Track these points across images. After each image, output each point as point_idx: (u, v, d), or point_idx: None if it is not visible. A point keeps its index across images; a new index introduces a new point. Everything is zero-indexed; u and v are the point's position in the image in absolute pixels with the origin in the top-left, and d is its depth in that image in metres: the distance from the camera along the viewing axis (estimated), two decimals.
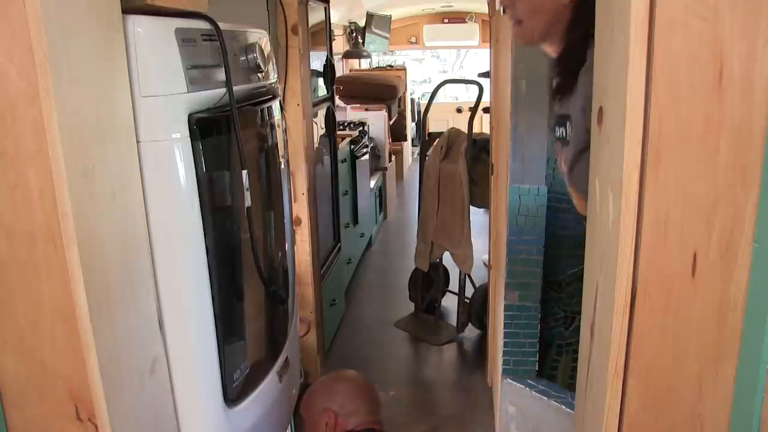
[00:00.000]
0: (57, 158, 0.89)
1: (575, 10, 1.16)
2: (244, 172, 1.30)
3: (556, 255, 2.31)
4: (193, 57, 1.19)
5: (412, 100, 7.70)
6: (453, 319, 3.49)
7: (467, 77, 6.47)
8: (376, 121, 5.46)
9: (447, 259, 3.47)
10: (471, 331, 3.43)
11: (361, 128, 4.75)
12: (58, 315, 0.95)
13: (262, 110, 1.55)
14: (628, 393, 0.72)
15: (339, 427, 1.53)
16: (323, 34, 3.16)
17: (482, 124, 5.96)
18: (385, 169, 5.51)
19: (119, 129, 1.07)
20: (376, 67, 7.46)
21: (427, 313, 3.61)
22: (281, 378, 1.64)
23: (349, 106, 5.59)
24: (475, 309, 3.36)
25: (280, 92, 1.97)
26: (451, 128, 3.49)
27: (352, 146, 4.20)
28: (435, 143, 3.47)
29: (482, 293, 3.31)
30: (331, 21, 3.33)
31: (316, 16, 2.91)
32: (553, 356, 2.43)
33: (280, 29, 2.37)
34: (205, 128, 1.22)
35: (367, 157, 4.62)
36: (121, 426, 1.02)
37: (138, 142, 1.12)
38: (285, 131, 1.79)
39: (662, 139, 0.65)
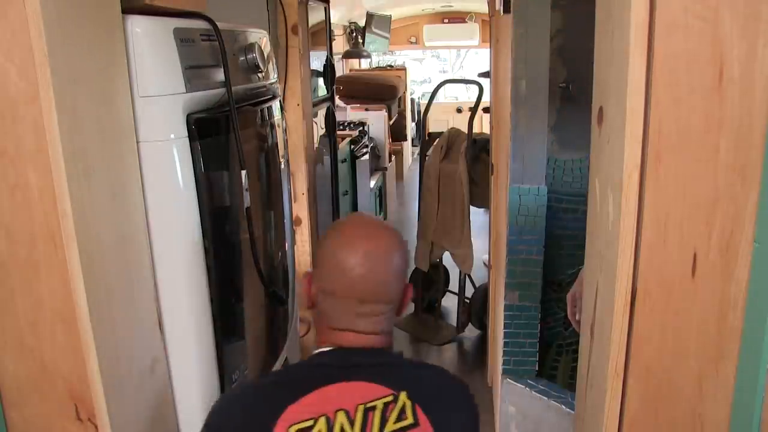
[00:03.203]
0: (57, 158, 0.89)
1: None
2: (244, 172, 1.30)
3: (556, 255, 2.31)
4: (191, 57, 1.19)
5: (412, 100, 7.70)
6: (453, 319, 3.49)
7: (467, 77, 6.46)
8: (376, 121, 5.46)
9: (447, 259, 3.46)
10: (471, 331, 3.43)
11: (361, 128, 4.75)
12: (58, 315, 0.95)
13: (261, 110, 1.55)
14: (628, 393, 0.72)
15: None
16: (323, 34, 3.16)
17: (482, 124, 5.95)
18: (385, 169, 5.51)
19: (119, 129, 1.07)
20: (376, 67, 7.46)
21: (427, 313, 3.61)
22: None
23: (349, 106, 5.59)
24: (475, 309, 3.36)
25: (280, 92, 1.97)
26: (451, 128, 3.48)
27: (352, 146, 4.20)
28: (435, 143, 3.47)
29: (482, 293, 3.31)
30: (331, 21, 3.33)
31: (316, 16, 2.91)
32: (553, 356, 2.43)
33: (280, 29, 2.37)
34: (204, 128, 1.22)
35: (367, 157, 4.62)
36: (121, 426, 1.02)
37: (137, 142, 1.12)
38: (285, 131, 1.79)
39: (662, 139, 0.65)
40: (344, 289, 0.95)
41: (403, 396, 0.94)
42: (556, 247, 2.30)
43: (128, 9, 1.08)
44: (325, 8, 3.15)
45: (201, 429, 0.96)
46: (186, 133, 1.18)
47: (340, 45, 5.93)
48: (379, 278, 0.96)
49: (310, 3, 2.66)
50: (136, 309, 1.11)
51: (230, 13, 1.66)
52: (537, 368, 2.23)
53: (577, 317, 1.37)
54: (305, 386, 0.93)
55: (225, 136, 1.31)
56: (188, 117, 1.18)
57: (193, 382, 1.27)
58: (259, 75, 1.50)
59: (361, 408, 0.93)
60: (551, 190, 2.26)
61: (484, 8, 5.55)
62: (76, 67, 0.93)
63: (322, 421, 0.91)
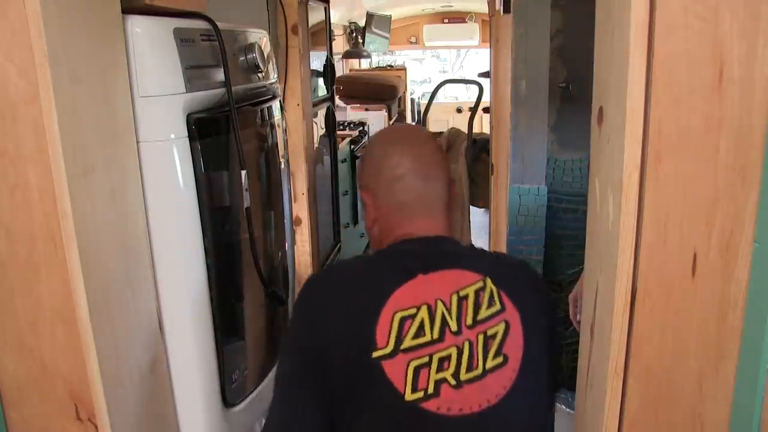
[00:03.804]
0: (57, 158, 0.89)
1: None
2: (243, 172, 1.30)
3: (556, 255, 2.31)
4: (191, 57, 1.19)
5: (412, 100, 7.69)
6: None
7: (467, 77, 6.46)
8: (376, 121, 5.44)
9: None
10: None
11: (361, 128, 4.75)
12: (58, 315, 0.95)
13: (261, 110, 1.55)
14: (628, 393, 0.72)
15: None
16: (323, 34, 3.16)
17: (482, 124, 5.96)
18: None
19: (119, 129, 1.07)
20: (376, 67, 7.45)
21: None
22: None
23: (349, 106, 5.58)
24: None
25: (280, 92, 1.97)
26: (451, 128, 3.49)
27: (352, 146, 4.19)
28: None
29: None
30: (331, 21, 3.33)
31: (316, 16, 2.91)
32: None
33: (280, 29, 2.37)
34: (204, 128, 1.22)
35: None
36: (121, 426, 1.02)
37: (137, 142, 1.12)
38: (285, 131, 1.79)
39: (662, 139, 0.65)
40: (408, 171, 1.02)
41: (489, 282, 0.98)
42: (556, 247, 2.30)
43: (128, 9, 1.08)
44: (325, 8, 3.15)
45: (299, 296, 0.99)
46: (186, 133, 1.18)
47: (340, 45, 5.93)
48: (430, 156, 1.05)
49: (310, 3, 2.66)
50: (136, 309, 1.11)
51: (230, 13, 1.66)
52: None
53: (578, 318, 1.37)
54: (405, 274, 0.96)
55: (225, 136, 1.31)
56: (188, 117, 1.18)
57: (193, 382, 1.27)
58: (259, 75, 1.50)
59: (455, 297, 0.96)
60: (551, 190, 2.26)
61: (484, 8, 5.54)
62: (76, 67, 0.93)
63: (424, 309, 0.94)
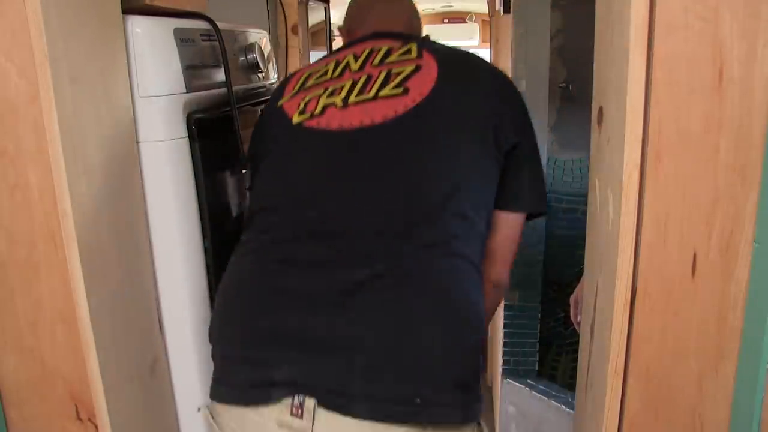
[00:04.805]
0: (57, 158, 0.89)
1: None
2: (245, 172, 1.30)
3: (556, 255, 2.31)
4: (191, 57, 1.19)
5: None
6: None
7: None
8: None
9: None
10: None
11: None
12: (58, 315, 0.95)
13: (261, 110, 1.55)
14: (628, 393, 0.72)
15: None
16: (323, 34, 3.16)
17: None
18: None
19: (119, 129, 1.07)
20: None
21: None
22: None
23: None
24: None
25: None
26: None
27: None
28: None
29: None
30: (331, 21, 3.33)
31: (316, 16, 2.91)
32: (553, 356, 2.43)
33: (280, 29, 2.37)
34: (204, 129, 1.22)
35: None
36: (121, 426, 1.02)
37: (137, 142, 1.12)
38: None
39: (662, 139, 0.65)
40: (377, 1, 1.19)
41: (412, 44, 1.03)
42: (556, 247, 2.30)
43: (128, 9, 1.08)
44: (325, 8, 3.15)
45: None
46: (186, 133, 1.18)
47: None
48: None
49: (310, 3, 2.66)
50: (136, 309, 1.11)
51: (230, 13, 1.66)
52: (537, 368, 2.23)
53: (578, 319, 1.37)
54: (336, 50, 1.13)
55: (225, 136, 1.31)
56: (188, 117, 1.18)
57: (193, 382, 1.27)
58: (259, 75, 1.50)
59: (367, 50, 1.05)
60: (551, 190, 2.26)
61: (484, 8, 5.54)
62: (76, 67, 0.93)
63: (332, 63, 1.06)
